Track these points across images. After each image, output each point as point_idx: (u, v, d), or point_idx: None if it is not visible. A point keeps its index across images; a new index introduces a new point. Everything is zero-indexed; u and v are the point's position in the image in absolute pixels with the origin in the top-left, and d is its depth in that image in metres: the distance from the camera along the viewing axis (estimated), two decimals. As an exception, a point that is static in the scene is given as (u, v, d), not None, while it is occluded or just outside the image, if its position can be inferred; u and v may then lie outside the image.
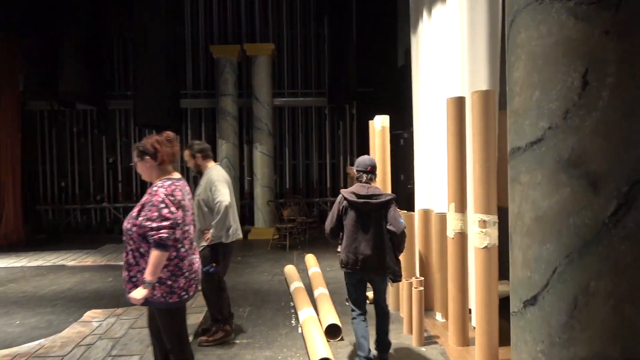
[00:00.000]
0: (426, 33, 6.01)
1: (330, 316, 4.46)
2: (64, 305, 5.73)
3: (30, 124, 11.10)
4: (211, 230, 4.10)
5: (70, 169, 11.44)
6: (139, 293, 2.71)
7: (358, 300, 3.72)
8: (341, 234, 3.73)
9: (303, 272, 6.97)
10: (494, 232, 3.73)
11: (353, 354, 4.01)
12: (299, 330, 4.58)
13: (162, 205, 2.72)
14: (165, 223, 2.68)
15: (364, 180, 3.72)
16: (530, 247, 1.56)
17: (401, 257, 4.57)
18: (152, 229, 2.67)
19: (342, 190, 3.73)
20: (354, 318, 3.70)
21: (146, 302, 2.77)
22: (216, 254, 4.19)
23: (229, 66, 10.45)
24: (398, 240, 3.59)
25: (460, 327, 4.17)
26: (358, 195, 3.59)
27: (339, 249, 3.80)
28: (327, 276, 6.65)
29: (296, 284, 5.86)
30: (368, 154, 6.40)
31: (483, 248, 3.73)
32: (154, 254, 2.67)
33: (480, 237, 3.73)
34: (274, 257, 8.34)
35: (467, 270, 4.21)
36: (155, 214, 2.70)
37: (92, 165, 11.52)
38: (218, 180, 4.12)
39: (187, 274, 2.85)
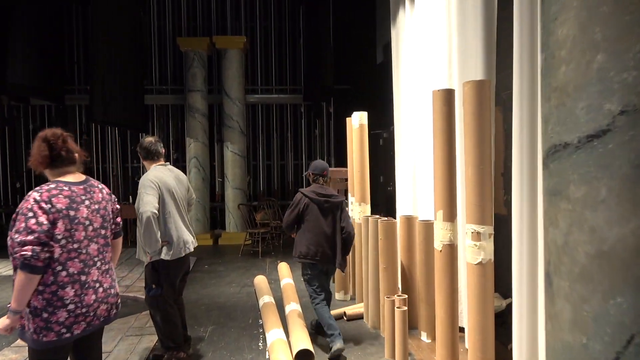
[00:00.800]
0: (408, 22, 5.48)
1: (302, 341, 3.88)
2: (0, 325, 5.02)
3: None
4: None
5: (26, 169, 10.59)
6: (1, 322, 2.14)
7: (320, 286, 4.14)
8: (295, 227, 4.15)
9: (275, 282, 6.37)
10: (489, 245, 3.20)
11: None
12: (267, 356, 3.99)
13: (30, 214, 2.11)
14: (30, 237, 2.07)
15: (320, 183, 4.18)
16: (587, 299, 1.01)
17: (381, 270, 4.27)
18: (18, 243, 2.07)
19: (302, 190, 4.11)
20: (317, 303, 4.09)
21: (20, 334, 2.21)
22: (157, 273, 3.56)
23: (198, 60, 9.77)
24: (350, 241, 4.11)
25: (450, 349, 3.64)
26: (319, 194, 4.05)
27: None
28: (301, 287, 6.07)
29: (266, 299, 5.26)
30: (346, 153, 5.87)
31: (477, 264, 3.20)
32: (18, 277, 2.08)
33: (474, 251, 3.20)
34: (245, 265, 7.72)
35: (457, 286, 3.69)
36: (23, 224, 2.10)
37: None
38: (144, 185, 3.50)
39: (71, 306, 2.22)
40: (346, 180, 6.62)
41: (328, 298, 4.17)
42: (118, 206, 2.61)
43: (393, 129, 8.08)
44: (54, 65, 8.89)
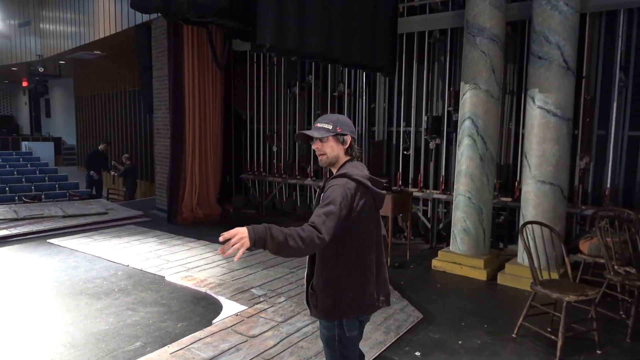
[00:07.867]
0: None
1: None
2: None
3: (232, 70, 8.71)
4: None
5: (276, 129, 8.62)
6: None
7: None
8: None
9: None
10: None
11: None
12: None
13: None
14: None
15: (358, 155, 2.20)
16: None
17: None
18: None
19: (357, 175, 2.03)
20: None
21: None
22: None
23: None
24: None
25: None
26: (374, 182, 2.10)
27: None
28: None
29: None
30: None
31: None
32: None
33: None
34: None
35: None
36: None
37: (299, 126, 8.38)
38: None
39: None
40: None
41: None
42: None
43: None
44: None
